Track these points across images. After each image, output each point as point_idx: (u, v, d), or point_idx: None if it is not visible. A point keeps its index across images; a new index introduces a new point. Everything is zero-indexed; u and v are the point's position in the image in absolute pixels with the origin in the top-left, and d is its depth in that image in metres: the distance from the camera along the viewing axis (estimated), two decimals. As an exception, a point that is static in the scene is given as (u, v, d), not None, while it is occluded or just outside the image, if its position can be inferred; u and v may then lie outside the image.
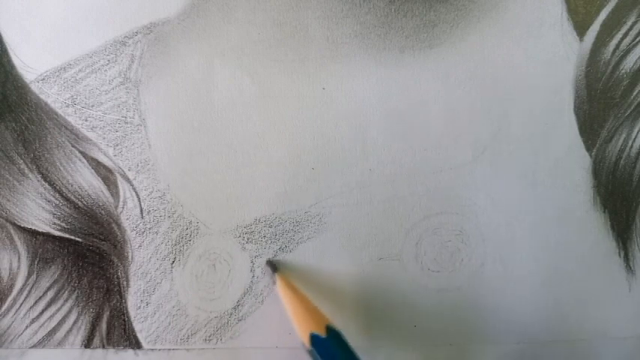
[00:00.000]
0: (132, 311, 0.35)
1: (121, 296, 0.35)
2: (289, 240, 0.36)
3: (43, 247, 0.35)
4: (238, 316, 0.35)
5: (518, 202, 0.36)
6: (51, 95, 0.35)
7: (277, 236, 0.36)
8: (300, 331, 0.32)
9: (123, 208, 0.36)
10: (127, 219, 0.36)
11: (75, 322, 0.35)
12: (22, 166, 0.35)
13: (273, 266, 0.35)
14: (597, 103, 0.36)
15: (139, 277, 0.35)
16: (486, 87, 0.36)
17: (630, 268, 0.36)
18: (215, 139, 0.36)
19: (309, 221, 0.36)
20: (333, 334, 0.32)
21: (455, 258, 0.36)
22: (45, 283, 0.35)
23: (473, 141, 0.36)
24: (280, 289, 0.34)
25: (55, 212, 0.35)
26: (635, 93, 0.36)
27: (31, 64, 0.35)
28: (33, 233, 0.35)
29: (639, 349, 0.36)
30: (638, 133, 0.36)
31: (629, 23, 0.36)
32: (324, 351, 0.31)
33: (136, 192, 0.36)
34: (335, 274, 0.36)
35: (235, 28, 0.35)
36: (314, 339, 0.31)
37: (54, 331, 0.35)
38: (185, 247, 0.36)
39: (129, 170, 0.36)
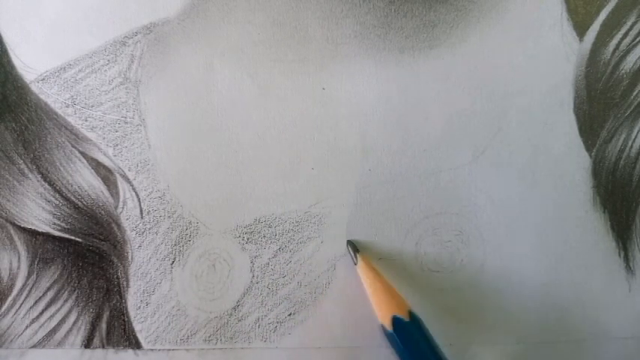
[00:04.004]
0: (132, 311, 0.35)
1: (121, 296, 0.35)
2: (289, 240, 0.36)
3: (43, 247, 0.35)
4: (238, 316, 0.35)
5: (518, 202, 0.36)
6: (51, 95, 0.35)
7: (277, 236, 0.36)
8: (382, 313, 0.32)
9: (123, 208, 0.36)
10: (127, 219, 0.35)
11: (75, 322, 0.35)
12: (22, 166, 0.35)
13: (355, 247, 0.35)
14: (597, 103, 0.36)
15: (138, 278, 0.35)
16: (486, 87, 0.36)
17: (630, 268, 0.36)
18: (215, 139, 0.36)
19: (309, 221, 0.36)
20: (415, 319, 0.32)
21: (455, 258, 0.36)
22: (45, 283, 0.35)
23: (473, 141, 0.36)
24: (362, 269, 0.34)
25: (55, 212, 0.35)
26: (635, 93, 0.36)
27: (31, 64, 0.35)
28: (33, 233, 0.35)
29: (639, 349, 0.36)
30: (638, 133, 0.36)
31: (629, 23, 0.36)
32: (407, 335, 0.31)
33: (135, 192, 0.35)
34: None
35: (235, 28, 0.35)
36: (397, 322, 0.31)
37: (54, 331, 0.35)
38: (185, 248, 0.36)
39: (129, 170, 0.36)
